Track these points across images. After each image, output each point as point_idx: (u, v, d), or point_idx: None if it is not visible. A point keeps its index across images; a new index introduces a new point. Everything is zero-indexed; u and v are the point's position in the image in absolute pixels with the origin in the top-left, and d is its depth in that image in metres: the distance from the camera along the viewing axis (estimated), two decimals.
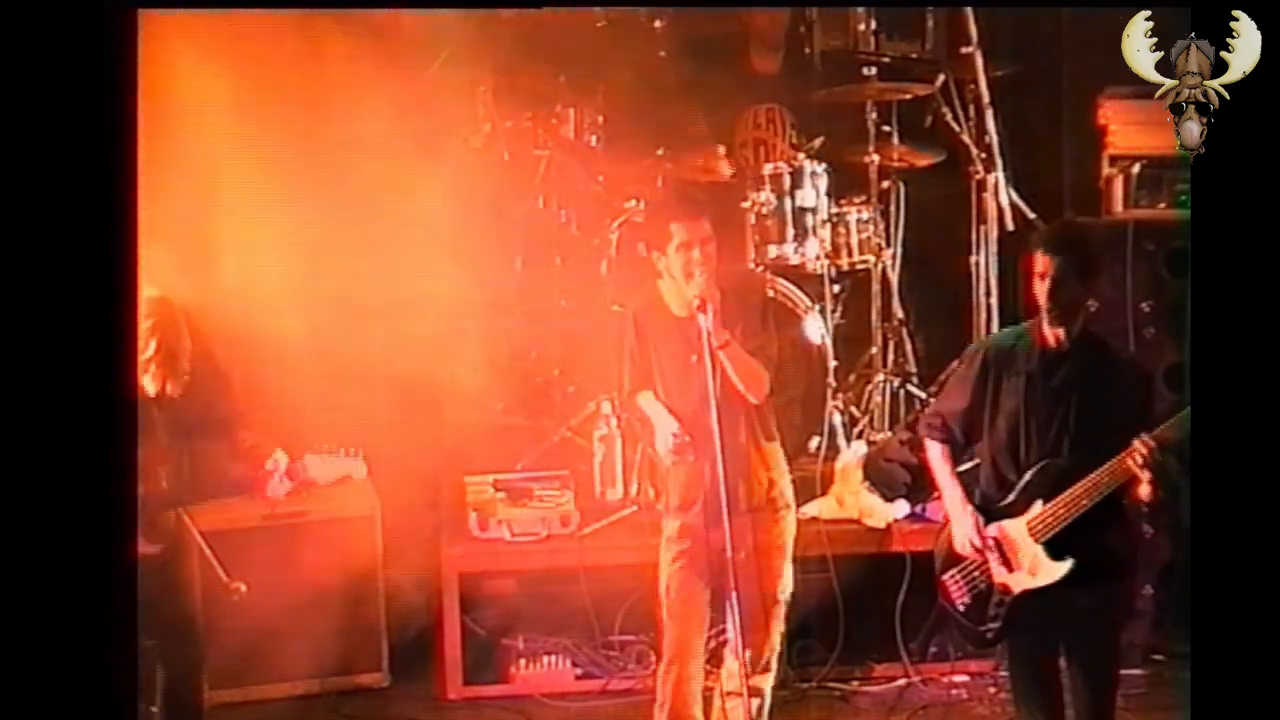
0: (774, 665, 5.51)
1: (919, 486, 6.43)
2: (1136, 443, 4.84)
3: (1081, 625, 5.10)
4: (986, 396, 5.09)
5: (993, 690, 6.37)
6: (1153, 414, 4.98)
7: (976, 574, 5.14)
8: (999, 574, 5.10)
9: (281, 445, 5.44)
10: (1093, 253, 5.11)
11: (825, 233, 7.18)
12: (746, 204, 7.17)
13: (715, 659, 5.74)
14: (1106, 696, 5.21)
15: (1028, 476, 5.03)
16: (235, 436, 5.42)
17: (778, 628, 5.48)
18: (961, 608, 5.19)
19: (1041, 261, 4.95)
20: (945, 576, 5.21)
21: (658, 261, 5.34)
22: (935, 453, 5.23)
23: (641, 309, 5.51)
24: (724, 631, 5.52)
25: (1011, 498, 5.06)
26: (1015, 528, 5.06)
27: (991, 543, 5.07)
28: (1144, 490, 4.90)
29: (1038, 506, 5.01)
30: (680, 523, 5.44)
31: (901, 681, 6.43)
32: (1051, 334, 5.01)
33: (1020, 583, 5.07)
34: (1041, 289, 4.95)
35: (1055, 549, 5.00)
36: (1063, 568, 5.00)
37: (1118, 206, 7.02)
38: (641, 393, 5.51)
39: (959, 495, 5.15)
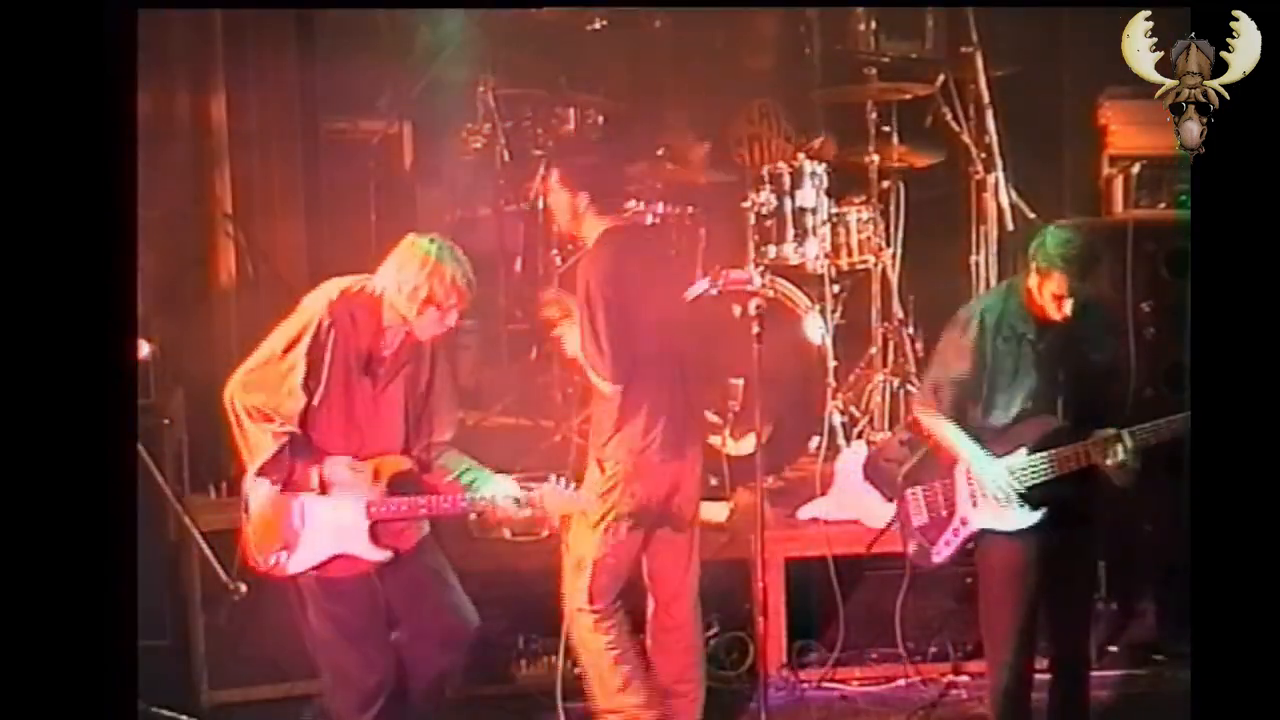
0: None
1: None
2: (1125, 435, 5.04)
3: (1051, 572, 5.21)
4: (986, 359, 5.15)
5: None
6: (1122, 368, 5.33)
7: (940, 499, 5.29)
8: (963, 507, 5.24)
9: None
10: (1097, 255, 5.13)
11: (825, 233, 7.18)
12: (746, 204, 7.15)
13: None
14: (1080, 639, 5.39)
15: (1018, 425, 5.14)
16: None
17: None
18: (917, 524, 5.35)
19: (1058, 283, 4.98)
20: (907, 493, 5.37)
21: None
22: (945, 426, 5.25)
23: None
24: None
25: (998, 441, 5.16)
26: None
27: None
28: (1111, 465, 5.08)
29: (1021, 455, 5.13)
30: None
31: (901, 681, 6.42)
32: (1049, 310, 5.06)
33: (981, 520, 5.21)
34: (1057, 307, 5.02)
35: (1024, 497, 5.15)
36: (1032, 517, 5.14)
37: (1118, 206, 7.00)
38: None
39: (983, 453, 5.18)
